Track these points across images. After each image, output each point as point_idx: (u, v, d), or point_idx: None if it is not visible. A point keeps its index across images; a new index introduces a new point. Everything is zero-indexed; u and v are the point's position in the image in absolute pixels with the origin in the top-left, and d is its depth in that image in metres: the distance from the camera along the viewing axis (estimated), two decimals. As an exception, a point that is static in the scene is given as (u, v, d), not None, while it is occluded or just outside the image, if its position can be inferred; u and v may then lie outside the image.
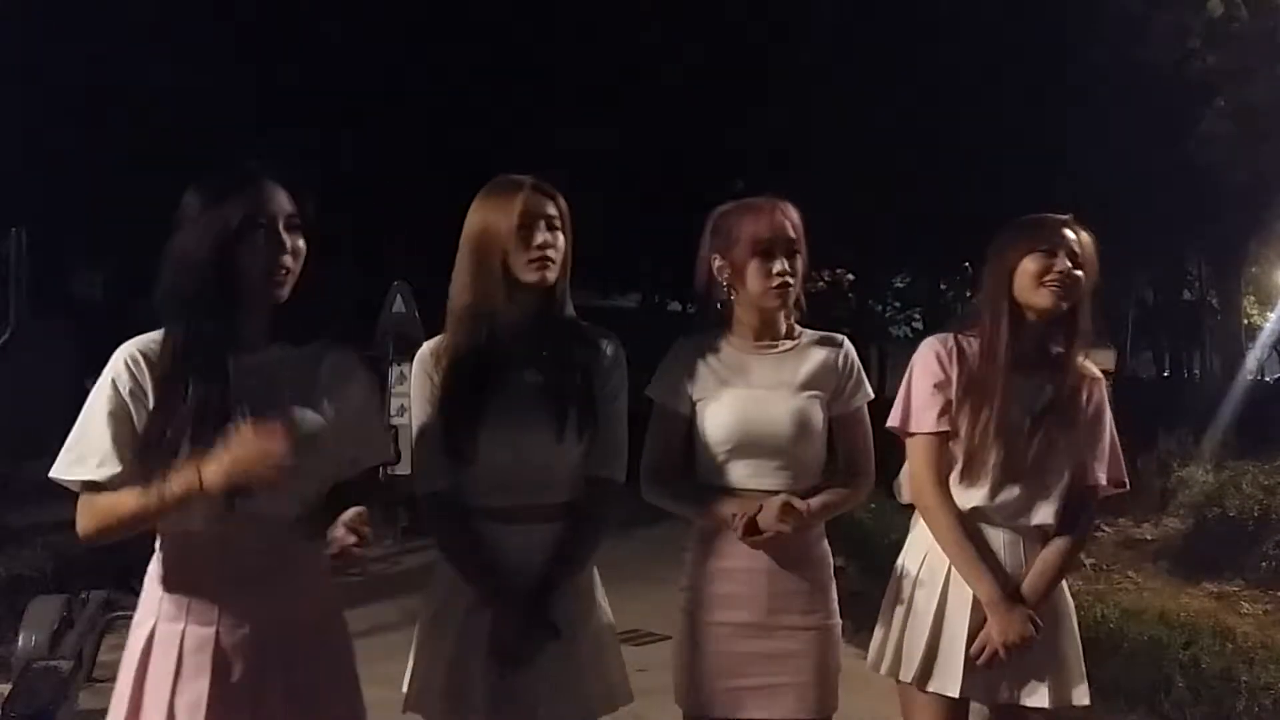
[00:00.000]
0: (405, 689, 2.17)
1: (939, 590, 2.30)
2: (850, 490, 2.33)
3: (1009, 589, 2.25)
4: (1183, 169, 10.22)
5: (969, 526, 2.29)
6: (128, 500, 1.81)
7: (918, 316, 24.12)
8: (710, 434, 2.26)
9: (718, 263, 2.30)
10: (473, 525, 2.10)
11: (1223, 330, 18.73)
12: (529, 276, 2.08)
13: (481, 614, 2.06)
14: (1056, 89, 11.89)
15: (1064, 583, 2.37)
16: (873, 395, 2.36)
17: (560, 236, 2.11)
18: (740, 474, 2.25)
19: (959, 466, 2.29)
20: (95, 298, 14.08)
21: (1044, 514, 2.28)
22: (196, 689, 1.84)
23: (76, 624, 4.59)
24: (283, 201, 1.88)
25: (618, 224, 13.93)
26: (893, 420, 2.35)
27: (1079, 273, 2.27)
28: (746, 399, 2.25)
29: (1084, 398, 2.32)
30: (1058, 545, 2.29)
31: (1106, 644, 4.31)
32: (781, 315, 2.31)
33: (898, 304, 24.94)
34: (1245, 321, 19.29)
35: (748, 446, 2.24)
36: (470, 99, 12.58)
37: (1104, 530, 7.79)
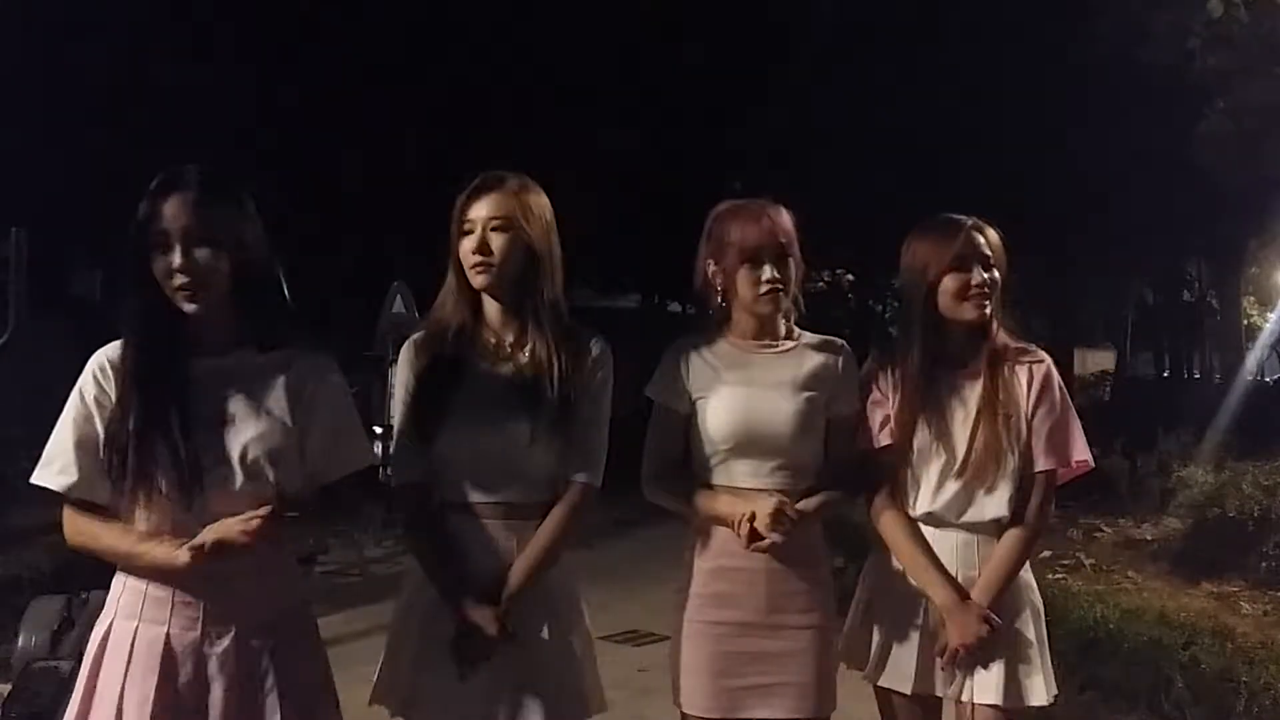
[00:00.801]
0: (374, 681, 2.17)
1: (895, 588, 2.35)
2: (843, 493, 2.33)
3: (963, 590, 2.27)
4: (1183, 169, 10.21)
5: (919, 532, 2.32)
6: (106, 537, 1.90)
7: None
8: (709, 432, 2.26)
9: (711, 268, 2.31)
10: (442, 519, 2.10)
11: (1222, 331, 18.74)
12: (474, 281, 2.12)
13: (445, 610, 2.05)
14: (1056, 89, 11.88)
15: (1029, 580, 2.37)
16: None
17: (501, 238, 2.09)
18: (739, 472, 2.25)
19: (906, 474, 2.33)
20: (95, 298, 14.07)
21: (994, 508, 2.29)
22: (144, 688, 1.85)
23: (77, 624, 4.59)
24: (185, 214, 1.86)
25: (617, 224, 13.93)
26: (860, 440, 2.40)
27: (995, 274, 2.32)
28: (746, 397, 2.25)
29: (1023, 384, 2.32)
30: (1008, 539, 2.30)
31: (1106, 644, 4.31)
32: (779, 317, 2.31)
33: (897, 304, 24.96)
34: (1245, 322, 19.30)
35: (746, 445, 2.24)
36: (470, 99, 12.58)
37: (1104, 530, 7.81)
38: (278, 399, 1.93)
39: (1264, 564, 6.13)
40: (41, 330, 6.74)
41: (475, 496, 2.09)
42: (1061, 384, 2.37)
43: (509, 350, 2.12)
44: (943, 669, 2.27)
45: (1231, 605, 5.77)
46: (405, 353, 2.19)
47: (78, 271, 14.10)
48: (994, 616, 2.23)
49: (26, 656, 4.16)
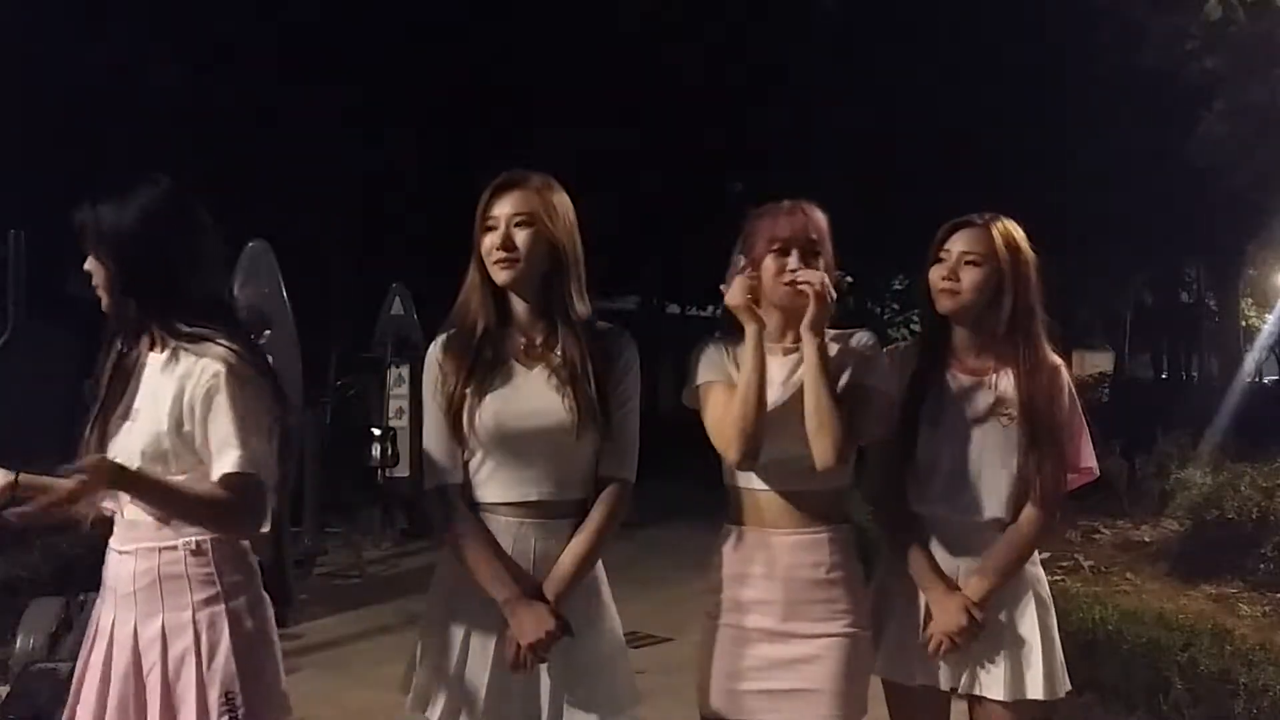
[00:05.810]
0: (411, 692, 2.14)
1: (899, 582, 2.37)
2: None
3: (951, 580, 2.29)
4: (1181, 171, 10.22)
5: (916, 524, 2.34)
6: None
7: (916, 319, 24.15)
8: None
9: (741, 263, 2.28)
10: (482, 520, 2.10)
11: (1221, 332, 18.72)
12: (497, 277, 2.10)
13: (489, 613, 2.05)
14: (1055, 91, 11.89)
15: (1037, 573, 2.37)
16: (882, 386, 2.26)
17: (524, 233, 2.09)
18: (760, 474, 2.23)
19: (909, 466, 2.35)
20: (95, 298, 14.05)
21: (992, 508, 2.31)
22: (95, 668, 1.97)
23: (74, 626, 4.59)
24: (85, 220, 2.08)
25: (617, 226, 13.92)
26: None
27: (974, 271, 2.31)
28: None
29: (1033, 388, 2.31)
30: (1003, 539, 2.31)
31: (1105, 646, 4.31)
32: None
33: (896, 306, 24.94)
34: (1243, 324, 19.30)
35: (765, 446, 2.21)
36: (471, 100, 12.58)
37: (1102, 532, 7.81)
38: (164, 397, 1.96)
39: (1262, 566, 6.13)
40: (41, 331, 6.74)
41: (512, 496, 2.09)
42: (1073, 390, 2.37)
43: (540, 350, 2.12)
44: (929, 658, 2.29)
45: (1230, 607, 5.77)
46: (434, 353, 2.16)
47: (78, 272, 14.08)
48: (976, 609, 2.24)
49: (25, 658, 4.16)
